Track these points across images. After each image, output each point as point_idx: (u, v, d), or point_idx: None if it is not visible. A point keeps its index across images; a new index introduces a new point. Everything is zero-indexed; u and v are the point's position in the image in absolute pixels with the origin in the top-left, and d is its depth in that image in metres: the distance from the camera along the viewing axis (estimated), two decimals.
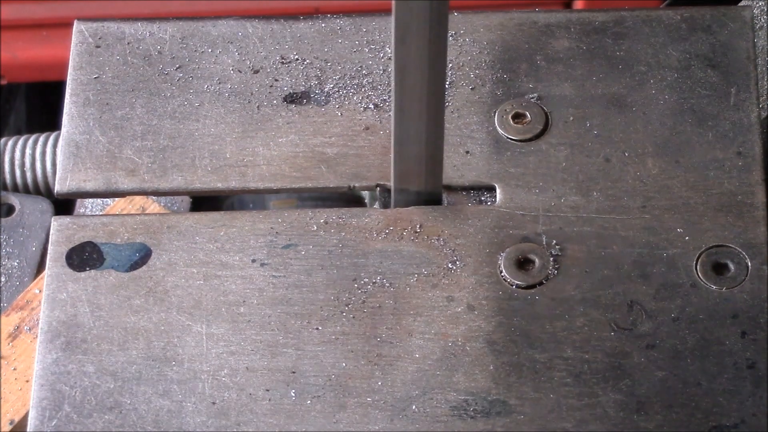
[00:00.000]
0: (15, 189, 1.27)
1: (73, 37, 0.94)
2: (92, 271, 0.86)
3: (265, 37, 0.94)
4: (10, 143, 1.28)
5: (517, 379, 0.82)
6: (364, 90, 0.92)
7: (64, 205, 1.19)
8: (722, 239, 0.85)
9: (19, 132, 1.48)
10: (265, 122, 0.91)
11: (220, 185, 0.89)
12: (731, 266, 0.84)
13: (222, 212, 0.88)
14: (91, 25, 0.94)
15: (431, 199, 0.87)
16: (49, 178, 1.26)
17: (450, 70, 0.91)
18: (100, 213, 1.12)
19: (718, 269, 0.84)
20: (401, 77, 0.77)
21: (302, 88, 0.92)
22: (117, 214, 1.00)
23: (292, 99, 0.92)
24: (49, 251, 0.87)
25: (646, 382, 0.81)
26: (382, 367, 0.82)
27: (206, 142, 0.90)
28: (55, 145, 1.26)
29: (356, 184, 0.89)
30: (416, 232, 0.86)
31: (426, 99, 0.79)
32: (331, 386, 0.82)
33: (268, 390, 0.82)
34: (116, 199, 1.01)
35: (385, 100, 0.91)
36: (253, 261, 0.86)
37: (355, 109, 0.91)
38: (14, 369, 1.03)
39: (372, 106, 0.91)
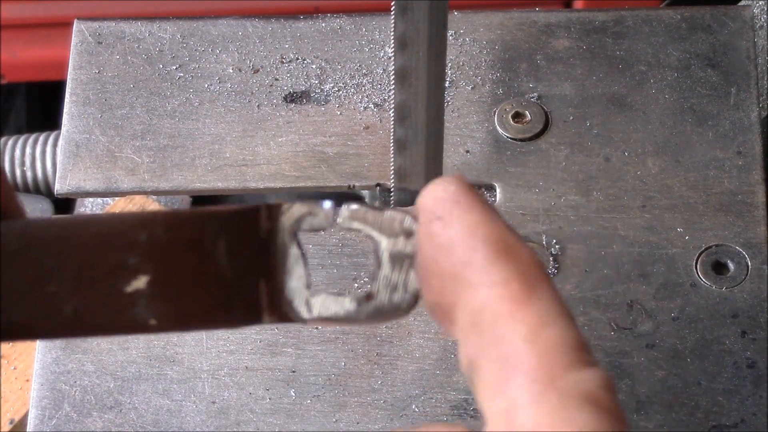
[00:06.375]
0: (15, 188, 1.27)
1: (73, 36, 0.94)
2: None
3: (265, 36, 0.94)
4: (9, 143, 1.28)
5: None
6: (364, 89, 0.92)
7: (64, 204, 1.19)
8: (722, 239, 0.85)
9: (19, 131, 1.48)
10: (265, 121, 0.91)
11: (220, 184, 0.89)
12: (731, 266, 0.84)
13: None
14: (91, 25, 0.94)
15: None
16: (49, 178, 1.25)
17: (450, 69, 0.91)
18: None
19: (718, 269, 0.84)
20: (401, 77, 0.77)
21: (302, 88, 0.92)
22: None
23: (292, 98, 0.92)
24: None
25: (646, 381, 0.81)
26: (382, 366, 0.82)
27: (206, 142, 0.90)
28: (55, 145, 1.26)
29: (356, 184, 0.89)
30: None
31: (426, 98, 0.79)
32: (330, 385, 0.82)
33: (267, 389, 0.82)
34: (116, 198, 1.01)
35: (385, 99, 0.91)
36: None
37: (355, 108, 0.91)
38: (14, 368, 1.02)
39: (372, 106, 0.91)
